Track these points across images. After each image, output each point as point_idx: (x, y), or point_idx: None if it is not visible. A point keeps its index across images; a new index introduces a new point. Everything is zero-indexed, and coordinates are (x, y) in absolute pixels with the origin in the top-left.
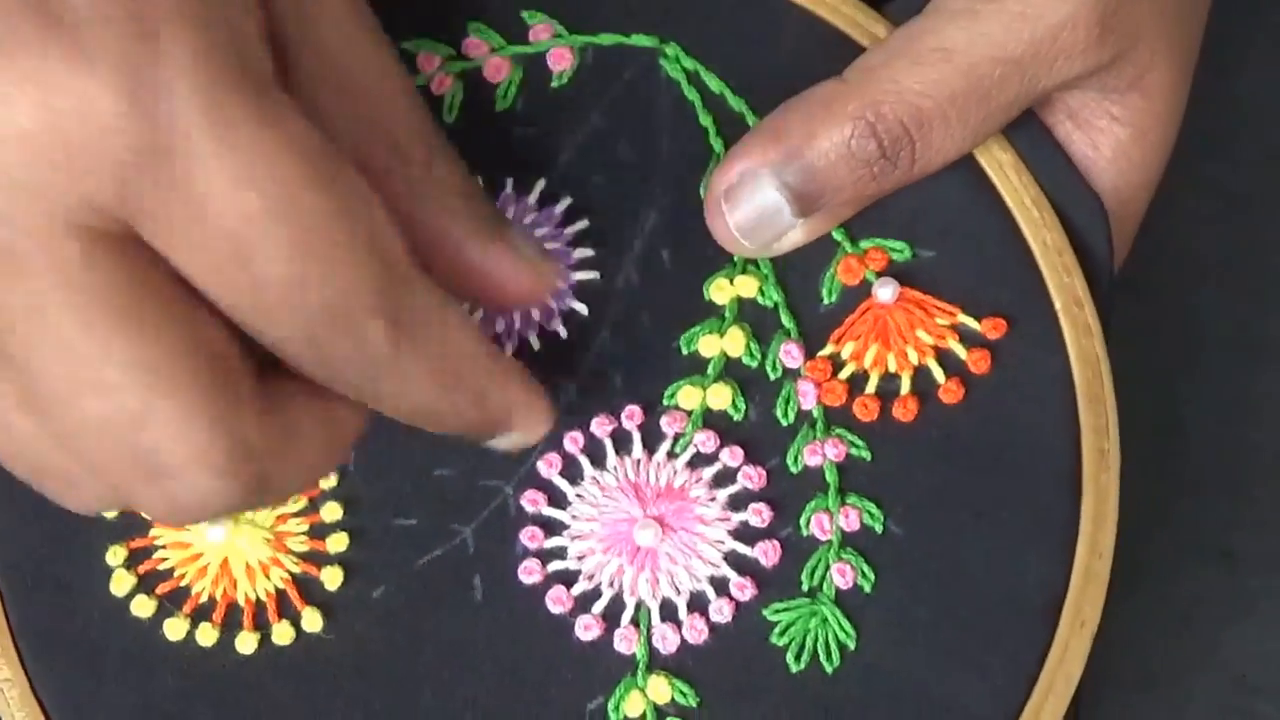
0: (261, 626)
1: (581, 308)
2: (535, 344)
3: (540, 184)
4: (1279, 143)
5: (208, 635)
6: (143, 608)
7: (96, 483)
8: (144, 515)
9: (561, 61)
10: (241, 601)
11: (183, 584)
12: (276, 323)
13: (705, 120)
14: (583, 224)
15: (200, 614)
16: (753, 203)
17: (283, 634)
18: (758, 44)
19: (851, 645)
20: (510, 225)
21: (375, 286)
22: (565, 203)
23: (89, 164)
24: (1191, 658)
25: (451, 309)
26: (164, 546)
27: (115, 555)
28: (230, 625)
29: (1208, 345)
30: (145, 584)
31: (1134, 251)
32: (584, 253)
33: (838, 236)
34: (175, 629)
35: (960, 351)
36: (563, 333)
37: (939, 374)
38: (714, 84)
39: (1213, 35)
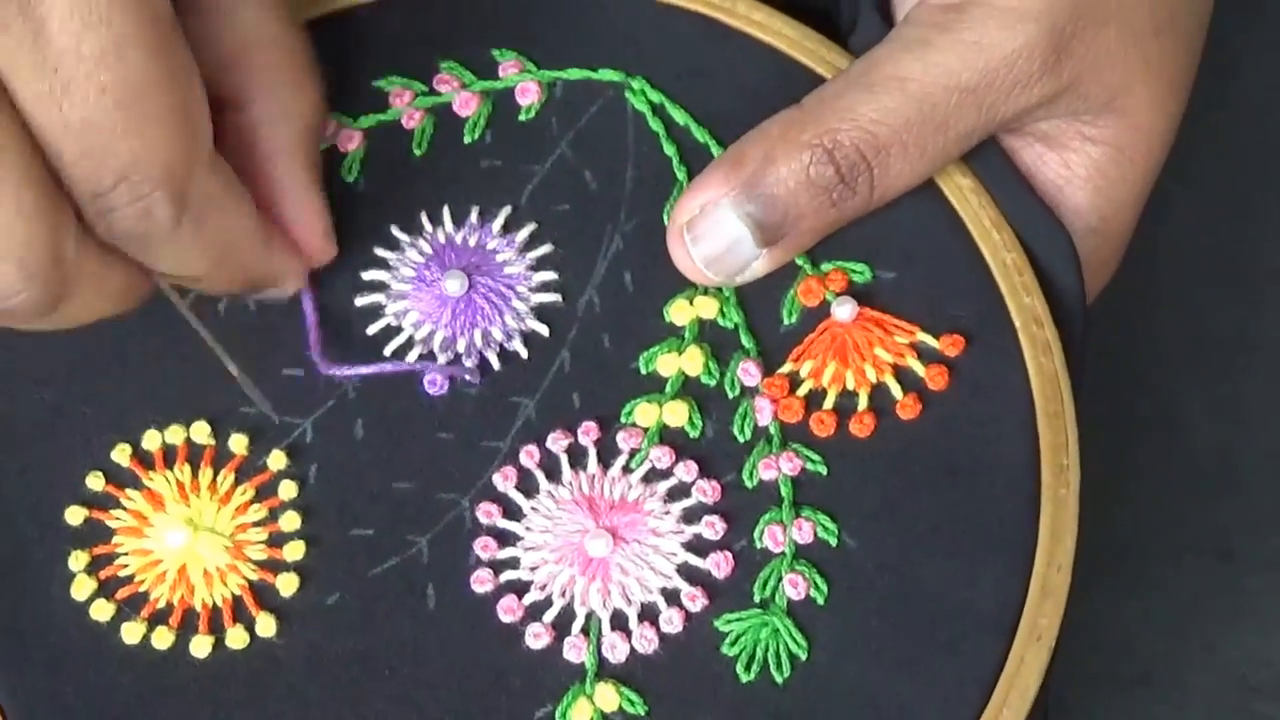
0: (216, 631)
1: (542, 328)
2: (496, 364)
3: (505, 210)
4: (1279, 143)
5: (163, 639)
6: (101, 611)
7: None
8: None
9: (529, 95)
10: (198, 607)
11: (141, 589)
12: (75, 167)
13: (669, 150)
14: (546, 249)
15: (157, 618)
16: (716, 234)
17: (237, 638)
18: (722, 78)
19: (803, 656)
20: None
21: (170, 161)
22: (529, 228)
23: None
24: (1191, 658)
25: (233, 194)
26: (126, 554)
27: (77, 560)
28: (186, 629)
29: (1207, 345)
30: (105, 589)
31: (1134, 251)
32: (546, 276)
33: (799, 260)
34: (132, 632)
35: (918, 368)
36: (523, 353)
37: (897, 390)
38: (679, 116)
39: (1213, 36)
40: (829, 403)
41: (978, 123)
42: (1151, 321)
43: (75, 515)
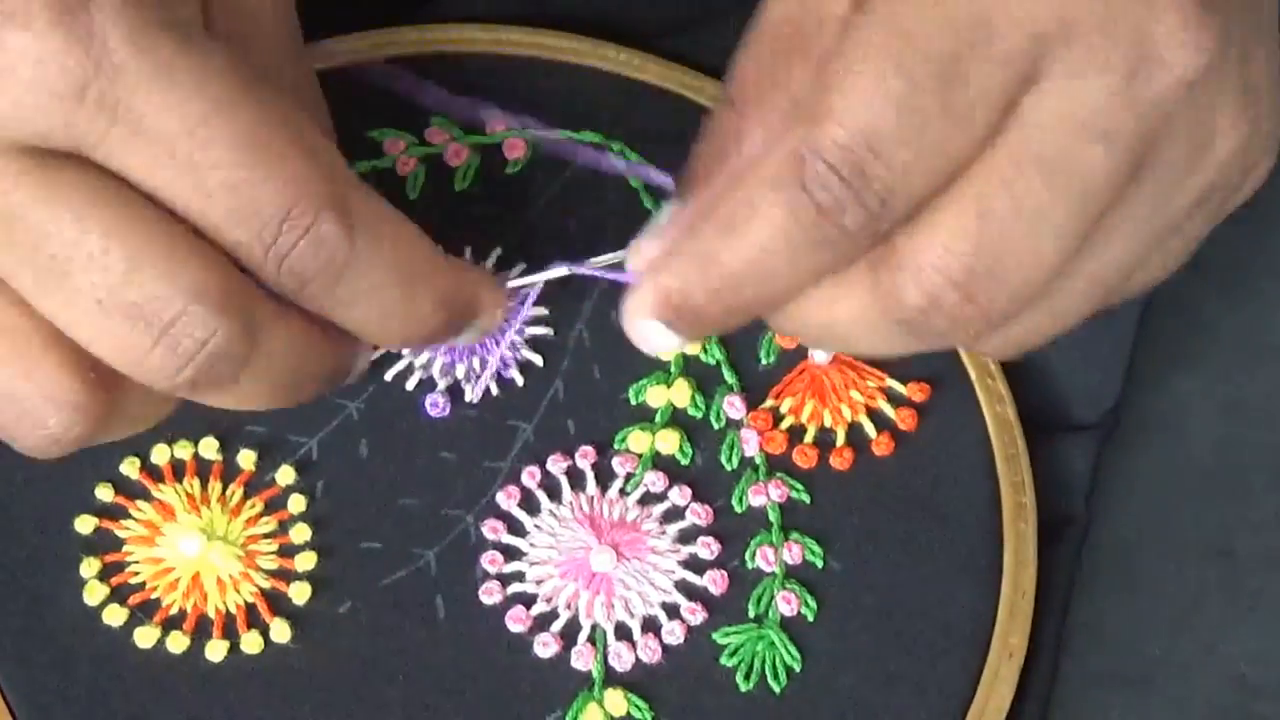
0: (230, 636)
1: (536, 358)
2: (494, 389)
3: (496, 251)
4: None
5: (178, 643)
6: (114, 616)
7: (76, 376)
8: (141, 398)
9: (515, 150)
10: (211, 613)
11: (154, 596)
12: (234, 225)
13: (650, 204)
14: (537, 288)
15: (171, 624)
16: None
17: (252, 643)
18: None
19: (797, 667)
20: None
21: (320, 182)
22: (520, 267)
23: (34, 101)
24: (1191, 658)
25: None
26: (137, 561)
27: (89, 567)
28: (200, 634)
29: (1208, 345)
30: (117, 595)
31: None
32: (538, 311)
33: None
34: (146, 637)
35: (889, 410)
36: (519, 380)
37: (871, 429)
38: (657, 176)
39: None
40: (809, 437)
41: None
42: (1151, 321)
43: (85, 524)
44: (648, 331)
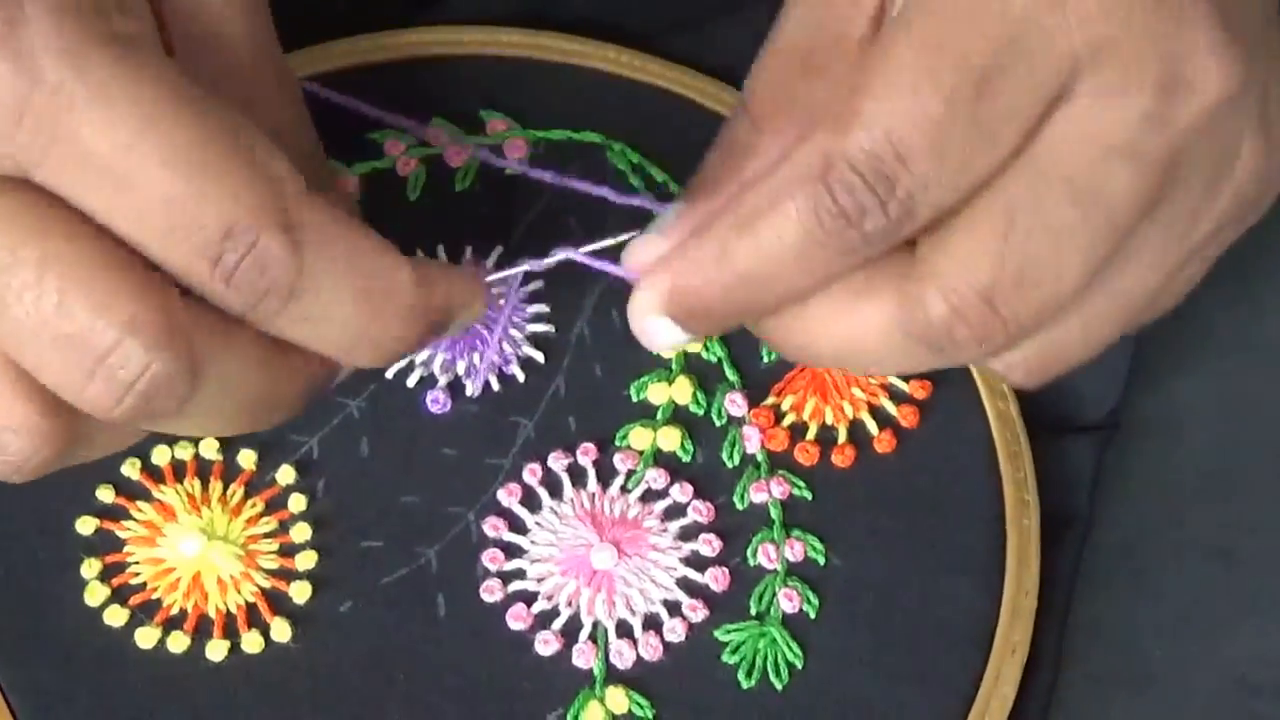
0: (231, 635)
1: (538, 355)
2: (495, 385)
3: (498, 250)
4: None
5: (179, 643)
6: (115, 617)
7: (31, 403)
8: (87, 429)
9: (516, 151)
10: (212, 613)
11: (154, 596)
12: (173, 246)
13: (650, 202)
14: (537, 284)
15: (172, 624)
16: (666, 338)
17: (252, 643)
18: (698, 146)
19: (799, 665)
20: None
21: (261, 198)
22: (522, 265)
23: None
24: (1191, 658)
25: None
26: (137, 562)
27: (90, 568)
28: (201, 634)
29: (1208, 345)
30: (118, 595)
31: None
32: (539, 308)
33: None
34: (146, 637)
35: (890, 408)
36: (520, 376)
37: (872, 426)
38: (658, 175)
39: None
40: (811, 434)
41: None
42: (1152, 322)
43: (86, 525)
44: (655, 328)
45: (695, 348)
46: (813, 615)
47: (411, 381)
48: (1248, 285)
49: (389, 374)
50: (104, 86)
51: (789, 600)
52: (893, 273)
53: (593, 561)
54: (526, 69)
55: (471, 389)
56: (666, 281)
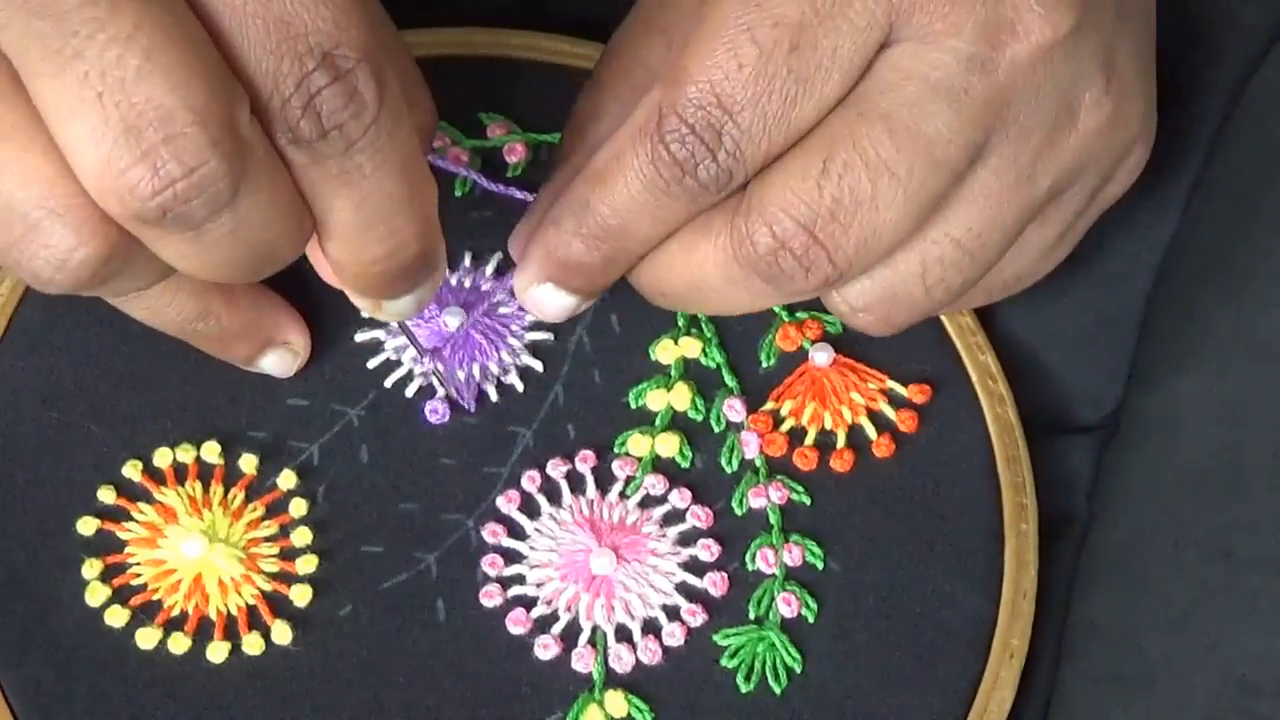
0: (232, 637)
1: (536, 364)
2: (494, 395)
3: (497, 257)
4: (1279, 143)
5: (179, 644)
6: (116, 618)
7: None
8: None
9: (516, 154)
10: (213, 615)
11: (155, 597)
12: (273, 46)
13: None
14: None
15: (172, 625)
16: (550, 305)
17: (253, 644)
18: None
19: (798, 669)
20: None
21: (371, 35)
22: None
23: None
24: (1191, 658)
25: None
26: (138, 563)
27: (91, 568)
28: (202, 636)
29: (1208, 345)
30: (119, 596)
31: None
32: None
33: (776, 309)
34: (147, 638)
35: (889, 412)
36: (519, 385)
37: (871, 431)
38: None
39: (1214, 38)
40: (810, 439)
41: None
42: (1152, 320)
43: (87, 526)
44: (540, 296)
45: (694, 353)
46: (811, 619)
47: (410, 391)
48: (1248, 284)
49: (387, 383)
50: None
51: (787, 605)
52: (728, 211)
53: (592, 567)
54: (528, 71)
55: (466, 403)
56: (539, 247)
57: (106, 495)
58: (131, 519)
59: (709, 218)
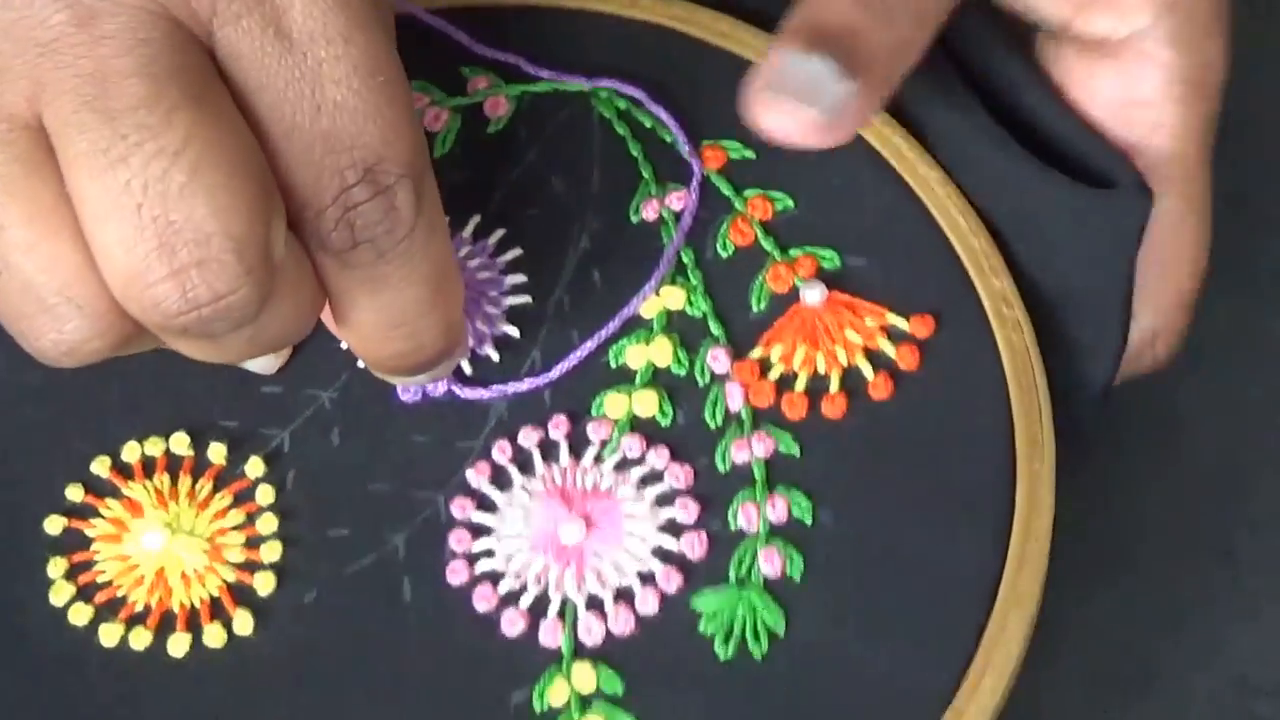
0: (194, 630)
1: (513, 331)
2: (467, 368)
3: (475, 219)
4: (1279, 143)
5: (141, 639)
6: (79, 615)
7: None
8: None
9: (498, 108)
10: (176, 608)
11: (119, 594)
12: (317, 156)
13: (635, 150)
14: (515, 252)
15: (135, 620)
16: (791, 74)
17: (214, 636)
18: (687, 84)
19: (780, 631)
20: None
21: (414, 148)
22: (499, 234)
23: None
24: (1191, 658)
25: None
26: (104, 560)
27: (56, 567)
28: (163, 630)
29: (1208, 345)
30: (84, 594)
31: None
32: (516, 279)
33: (767, 246)
34: (110, 634)
35: (889, 349)
36: (495, 356)
37: (868, 371)
38: (645, 119)
39: None
40: (800, 385)
41: None
42: None
43: (54, 525)
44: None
45: (678, 304)
46: (797, 578)
47: None
48: (1248, 285)
49: (361, 363)
50: None
51: (770, 563)
52: None
53: (560, 536)
54: (513, 17)
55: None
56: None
57: (74, 493)
58: (99, 515)
59: None
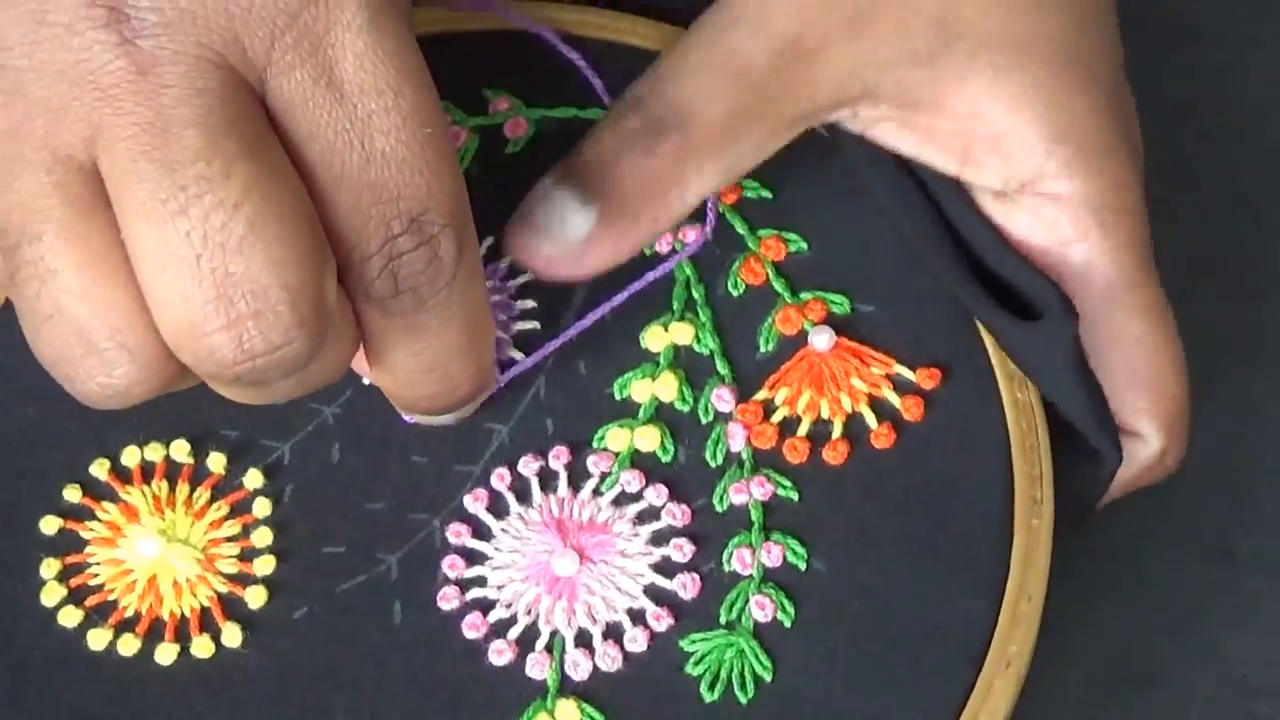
0: (182, 639)
1: (520, 356)
2: None
3: (487, 240)
4: (1279, 143)
5: (129, 646)
6: (69, 618)
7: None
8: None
9: (517, 129)
10: (165, 616)
11: (111, 598)
12: (365, 207)
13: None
14: (526, 277)
15: (124, 626)
16: (547, 209)
17: (202, 647)
18: None
19: (768, 677)
20: None
21: (458, 198)
22: (510, 258)
23: (250, 13)
24: (1191, 658)
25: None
26: (97, 563)
27: (49, 568)
28: (152, 637)
29: (1208, 345)
30: (75, 596)
31: None
32: (526, 304)
33: (779, 287)
34: (98, 639)
35: (894, 399)
36: (499, 378)
37: (871, 420)
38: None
39: (1214, 35)
40: (803, 430)
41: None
42: None
43: (50, 525)
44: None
45: (686, 339)
46: (788, 624)
47: None
48: (1248, 285)
49: (365, 380)
50: (378, 19)
51: (761, 609)
52: None
53: (554, 568)
54: (532, 44)
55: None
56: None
57: (72, 494)
58: (95, 518)
59: None
